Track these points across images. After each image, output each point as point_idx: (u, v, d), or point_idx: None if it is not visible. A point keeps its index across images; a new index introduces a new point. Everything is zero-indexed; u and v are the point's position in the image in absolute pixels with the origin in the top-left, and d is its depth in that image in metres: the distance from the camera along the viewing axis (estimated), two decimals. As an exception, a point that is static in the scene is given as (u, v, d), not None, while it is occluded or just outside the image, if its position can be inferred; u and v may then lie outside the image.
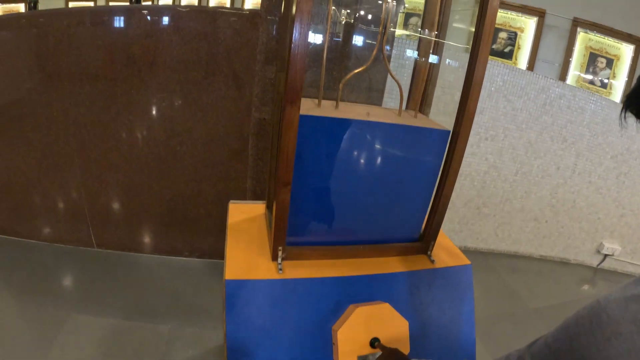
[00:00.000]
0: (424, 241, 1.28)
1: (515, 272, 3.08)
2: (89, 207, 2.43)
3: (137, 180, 2.33)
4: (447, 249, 1.35)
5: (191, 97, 2.11)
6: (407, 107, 1.34)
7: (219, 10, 1.98)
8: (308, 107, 1.07)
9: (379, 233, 1.23)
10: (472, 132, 2.71)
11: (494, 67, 2.70)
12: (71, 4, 10.24)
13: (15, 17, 2.24)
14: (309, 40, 0.88)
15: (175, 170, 2.28)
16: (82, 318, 2.01)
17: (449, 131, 1.13)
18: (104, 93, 2.16)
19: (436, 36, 1.34)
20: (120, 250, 2.53)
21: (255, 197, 1.93)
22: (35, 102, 2.24)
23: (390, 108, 1.28)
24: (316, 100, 1.13)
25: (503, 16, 4.20)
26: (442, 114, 1.17)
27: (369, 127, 1.05)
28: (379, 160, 1.11)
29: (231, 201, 1.47)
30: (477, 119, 2.77)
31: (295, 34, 0.86)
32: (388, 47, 1.77)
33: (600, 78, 4.13)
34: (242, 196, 2.15)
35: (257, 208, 1.46)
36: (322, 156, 1.07)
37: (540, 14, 4.19)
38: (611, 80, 4.11)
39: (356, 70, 1.10)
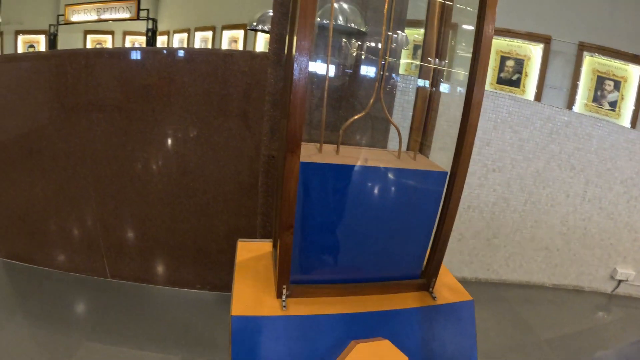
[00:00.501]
0: (426, 278, 1.31)
1: (528, 302, 3.05)
2: (103, 238, 2.51)
3: (151, 214, 2.40)
4: (449, 285, 1.38)
5: (203, 136, 2.20)
6: (408, 148, 1.39)
7: (229, 53, 2.08)
8: (309, 153, 1.13)
9: (380, 271, 1.27)
10: (479, 164, 2.77)
11: (498, 98, 2.74)
12: (89, 37, 10.64)
13: (35, 55, 2.38)
14: (310, 85, 0.94)
15: (188, 205, 2.35)
16: (94, 346, 2.06)
17: (446, 172, 1.18)
18: (120, 130, 2.27)
19: (435, 72, 1.40)
20: (133, 281, 2.59)
21: (265, 232, 1.98)
22: (54, 136, 2.36)
23: (391, 150, 1.33)
24: (318, 145, 1.19)
25: (509, 44, 4.27)
26: (448, 149, 1.21)
27: (368, 171, 1.10)
28: (378, 202, 1.16)
29: (240, 239, 1.52)
30: (484, 150, 2.81)
31: (294, 91, 0.93)
32: (396, 76, 1.84)
33: (608, 101, 4.15)
34: (252, 231, 2.20)
35: (264, 246, 1.51)
36: (323, 200, 1.12)
37: (546, 40, 4.26)
38: (619, 102, 4.12)
39: (355, 117, 1.16)
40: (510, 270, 3.17)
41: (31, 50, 10.30)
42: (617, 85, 4.12)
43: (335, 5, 1.68)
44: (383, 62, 1.13)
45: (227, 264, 2.47)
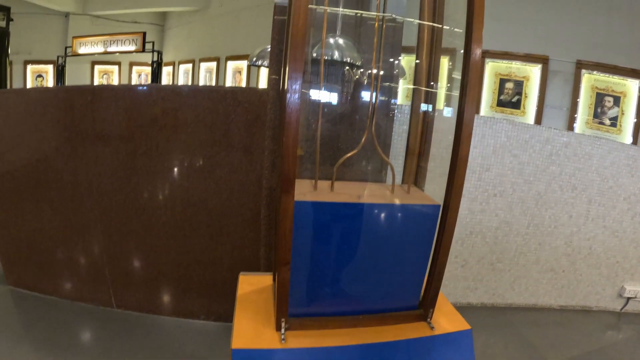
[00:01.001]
0: (423, 308, 1.33)
1: (535, 325, 3.03)
2: (109, 269, 2.55)
3: (156, 246, 2.45)
4: (447, 315, 1.40)
5: (206, 170, 2.25)
6: (402, 180, 1.43)
7: (230, 90, 2.15)
8: (304, 190, 1.17)
9: (378, 303, 1.30)
10: (480, 189, 2.79)
11: (496, 123, 2.78)
12: (96, 67, 10.86)
13: (44, 89, 2.48)
14: (306, 120, 0.99)
15: (192, 238, 2.39)
16: (100, 376, 2.07)
17: (439, 205, 1.21)
18: (125, 164, 2.33)
19: (428, 100, 1.44)
20: (138, 311, 2.61)
21: (268, 262, 2.02)
22: (61, 168, 2.43)
23: (386, 184, 1.37)
24: (314, 181, 1.23)
25: (508, 66, 4.33)
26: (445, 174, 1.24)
27: (361, 208, 1.14)
28: (373, 236, 1.19)
29: (241, 273, 1.55)
30: (484, 176, 2.83)
31: (287, 134, 0.97)
32: (395, 101, 1.88)
33: (609, 117, 4.17)
34: (256, 262, 2.24)
35: (265, 280, 1.54)
36: (319, 236, 1.15)
37: (543, 60, 4.31)
38: (620, 117, 4.14)
39: (347, 155, 1.20)
40: (516, 294, 3.16)
41: (40, 79, 10.54)
42: (617, 101, 4.16)
43: (331, 40, 1.74)
44: (374, 100, 1.18)
45: (231, 295, 2.43)
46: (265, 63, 2.05)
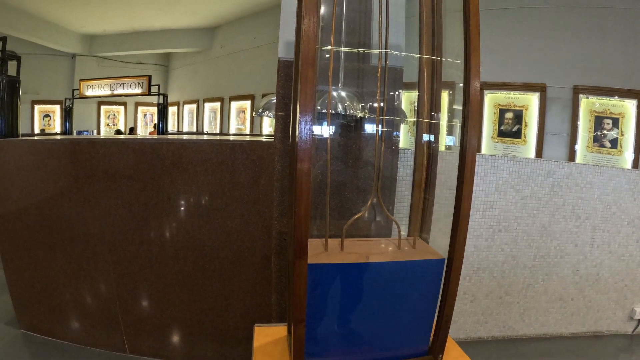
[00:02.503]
0: (433, 354, 1.37)
1: (547, 355, 3.02)
2: (122, 315, 2.59)
3: (168, 294, 2.49)
4: (456, 358, 1.43)
5: (217, 222, 2.32)
6: (409, 233, 1.48)
7: (238, 143, 2.23)
8: (316, 252, 1.23)
9: (389, 351, 1.34)
10: (484, 226, 2.83)
11: (498, 161, 2.84)
12: (103, 108, 11.07)
13: (54, 140, 2.57)
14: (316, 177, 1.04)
15: (205, 286, 2.43)
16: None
17: (444, 259, 1.26)
18: (137, 215, 2.40)
19: (431, 153, 1.50)
20: (151, 357, 2.63)
21: (280, 309, 2.05)
22: (73, 218, 2.50)
23: (392, 239, 1.42)
24: (323, 240, 1.29)
25: (507, 97, 4.41)
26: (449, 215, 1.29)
27: (370, 267, 1.19)
28: (383, 291, 1.24)
29: (256, 325, 1.59)
30: (488, 212, 2.88)
31: (298, 204, 1.03)
32: (396, 144, 1.93)
33: (609, 139, 4.21)
34: (268, 309, 2.27)
35: (280, 331, 1.58)
36: (331, 294, 1.21)
37: (541, 88, 4.39)
38: (620, 139, 4.18)
39: (355, 217, 1.26)
40: (526, 325, 3.17)
41: (47, 119, 10.74)
42: (616, 123, 4.21)
43: (334, 93, 1.81)
44: (380, 162, 1.24)
45: (244, 340, 2.51)
46: (271, 114, 2.13)
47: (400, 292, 1.26)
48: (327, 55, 1.50)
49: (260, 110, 2.25)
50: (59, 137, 3.18)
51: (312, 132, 0.99)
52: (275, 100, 2.02)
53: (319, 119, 1.67)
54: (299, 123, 1.00)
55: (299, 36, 1.18)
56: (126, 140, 2.46)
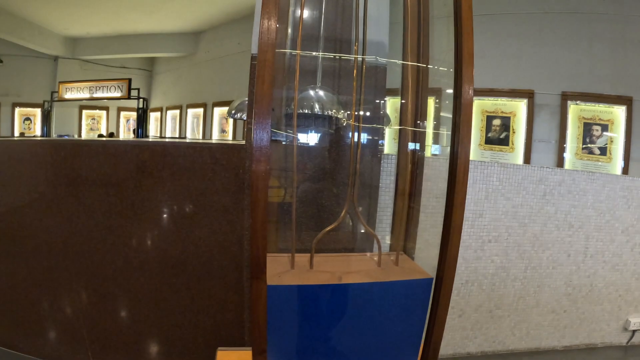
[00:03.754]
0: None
1: (539, 370, 2.92)
2: (87, 330, 2.43)
3: (134, 309, 2.34)
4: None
5: (184, 231, 2.16)
6: (390, 247, 1.33)
7: (205, 146, 2.08)
8: (280, 269, 1.06)
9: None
10: (473, 236, 2.70)
11: (487, 167, 2.72)
12: (84, 112, 10.88)
13: (17, 142, 2.44)
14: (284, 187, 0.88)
15: (172, 301, 2.28)
16: None
17: (431, 279, 1.10)
18: (100, 224, 2.25)
19: (416, 158, 1.35)
20: (119, 374, 2.47)
21: (252, 327, 1.89)
22: (36, 226, 2.37)
23: (371, 255, 1.27)
24: (290, 256, 1.13)
25: (494, 103, 4.32)
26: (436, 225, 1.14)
27: (343, 289, 1.03)
28: (360, 316, 1.08)
29: (219, 348, 1.44)
30: (477, 222, 2.76)
31: (255, 215, 0.87)
32: (379, 150, 1.79)
33: (598, 146, 4.15)
34: (240, 326, 2.14)
35: (245, 357, 1.41)
36: (298, 320, 1.04)
37: (529, 94, 4.31)
38: (609, 145, 4.12)
39: (327, 229, 1.10)
40: (517, 339, 3.04)
41: (27, 122, 10.52)
42: (605, 129, 4.15)
43: (312, 92, 1.66)
44: (356, 166, 1.09)
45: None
46: (244, 116, 1.98)
47: (380, 317, 1.10)
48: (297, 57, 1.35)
49: (233, 112, 2.10)
50: (17, 138, 3.04)
51: (269, 130, 0.83)
52: (247, 101, 1.88)
53: (290, 120, 1.52)
54: (255, 119, 0.84)
55: (260, 32, 1.03)
56: (89, 142, 2.32)
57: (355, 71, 1.32)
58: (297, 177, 1.32)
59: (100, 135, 11.03)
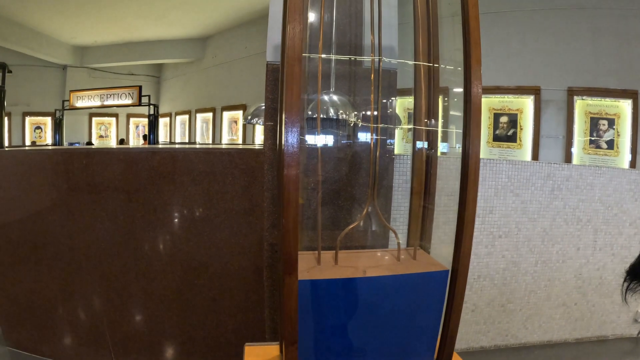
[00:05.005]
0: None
1: (551, 362, 2.96)
2: (110, 332, 2.49)
3: (157, 310, 2.40)
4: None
5: (205, 234, 2.23)
6: (408, 242, 1.39)
7: (226, 152, 2.14)
8: (307, 266, 1.13)
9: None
10: (484, 232, 2.75)
11: (496, 165, 2.77)
12: (94, 120, 10.99)
13: (38, 152, 2.50)
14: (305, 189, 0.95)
15: (194, 302, 2.34)
16: None
17: (447, 271, 1.17)
18: (122, 228, 2.31)
19: (430, 150, 1.42)
20: (142, 376, 2.53)
21: (274, 325, 1.96)
22: (58, 232, 2.42)
23: (391, 250, 1.33)
24: (316, 253, 1.20)
25: (501, 101, 4.35)
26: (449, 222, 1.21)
27: (368, 282, 1.10)
28: (382, 308, 1.15)
29: (247, 344, 1.49)
30: (488, 218, 2.80)
31: (286, 214, 0.94)
32: (391, 153, 1.85)
33: (605, 140, 4.17)
34: (260, 324, 2.19)
35: (272, 350, 1.48)
36: (326, 312, 1.11)
37: (535, 91, 4.34)
38: (616, 139, 4.14)
39: (350, 227, 1.17)
40: (529, 333, 3.08)
41: (38, 131, 10.64)
42: (612, 123, 4.17)
43: (325, 97, 1.73)
44: (375, 168, 1.16)
45: (237, 358, 2.41)
46: (261, 121, 2.05)
47: (401, 307, 1.16)
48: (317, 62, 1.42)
49: (249, 117, 2.17)
50: (40, 147, 3.09)
51: (300, 135, 0.90)
52: (264, 107, 1.95)
53: (310, 125, 1.59)
54: (285, 126, 0.91)
55: (285, 41, 1.10)
56: (110, 150, 2.38)
57: (372, 74, 1.38)
58: (318, 179, 1.39)
59: (122, 141, 11.14)
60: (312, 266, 1.15)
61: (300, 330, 1.07)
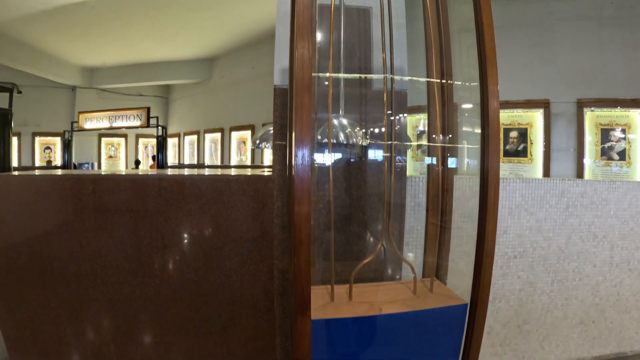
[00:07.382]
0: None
1: (569, 382, 2.87)
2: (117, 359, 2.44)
3: (166, 337, 2.36)
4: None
5: (214, 262, 2.20)
6: (423, 273, 1.35)
7: (234, 178, 2.12)
8: (320, 303, 1.09)
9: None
10: (499, 253, 2.70)
11: (510, 184, 2.72)
12: (103, 140, 11.09)
13: (43, 177, 2.48)
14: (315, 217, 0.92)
15: (203, 329, 2.30)
16: None
17: (466, 304, 1.13)
18: (130, 256, 2.28)
19: (444, 178, 1.38)
20: (152, 404, 2.48)
21: (285, 352, 1.92)
22: (65, 258, 2.37)
23: (406, 282, 1.29)
24: (328, 287, 1.16)
25: (510, 115, 4.32)
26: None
27: (384, 319, 1.06)
28: (399, 345, 1.10)
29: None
30: (502, 239, 2.75)
31: (298, 253, 0.91)
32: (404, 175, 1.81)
33: (616, 151, 4.11)
34: (271, 353, 2.15)
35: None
36: (341, 351, 1.07)
37: (544, 104, 4.30)
38: (628, 149, 4.09)
39: (364, 262, 1.13)
40: (547, 353, 3.00)
41: (47, 152, 10.75)
42: (623, 133, 4.12)
43: (335, 121, 1.70)
44: (389, 200, 1.12)
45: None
46: (269, 145, 2.03)
47: (419, 344, 1.12)
48: (326, 83, 1.39)
49: (257, 142, 2.16)
50: (48, 172, 3.09)
51: (310, 168, 0.87)
52: (273, 131, 1.92)
53: (319, 150, 1.56)
54: (295, 159, 0.88)
55: (293, 62, 1.07)
56: (116, 177, 2.36)
57: (385, 96, 1.36)
58: (327, 207, 1.35)
59: (137, 162, 11.23)
60: (326, 303, 1.11)
61: (314, 369, 1.03)
